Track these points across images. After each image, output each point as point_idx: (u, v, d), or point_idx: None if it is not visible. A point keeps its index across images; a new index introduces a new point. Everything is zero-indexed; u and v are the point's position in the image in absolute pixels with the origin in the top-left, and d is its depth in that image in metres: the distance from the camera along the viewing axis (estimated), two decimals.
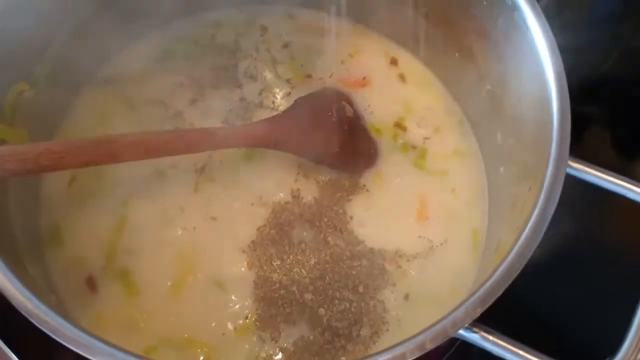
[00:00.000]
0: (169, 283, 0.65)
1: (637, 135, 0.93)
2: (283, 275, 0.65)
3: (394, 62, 0.81)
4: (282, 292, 0.65)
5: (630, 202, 0.55)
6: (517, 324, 0.62)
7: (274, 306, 0.64)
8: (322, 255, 0.67)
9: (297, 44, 0.81)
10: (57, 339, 0.45)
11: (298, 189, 0.71)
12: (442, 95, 0.78)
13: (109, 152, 0.55)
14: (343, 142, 0.70)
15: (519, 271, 0.48)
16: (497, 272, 0.47)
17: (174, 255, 0.66)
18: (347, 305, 0.64)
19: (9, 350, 0.66)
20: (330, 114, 0.72)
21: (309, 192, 0.71)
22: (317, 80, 0.79)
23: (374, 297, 0.65)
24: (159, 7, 0.76)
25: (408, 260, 0.68)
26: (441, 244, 0.69)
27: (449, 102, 0.78)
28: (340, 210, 0.70)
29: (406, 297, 0.66)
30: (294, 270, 0.66)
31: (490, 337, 0.48)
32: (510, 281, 0.47)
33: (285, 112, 0.71)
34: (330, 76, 0.79)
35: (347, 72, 0.79)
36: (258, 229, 0.68)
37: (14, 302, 0.47)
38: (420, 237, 0.69)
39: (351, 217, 0.70)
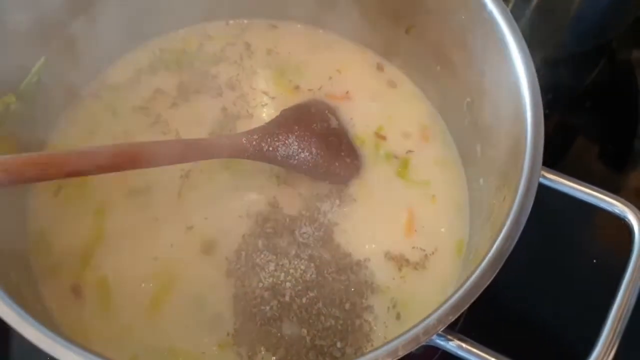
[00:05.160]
0: (148, 299, 0.64)
1: (623, 147, 0.94)
2: (265, 290, 0.64)
3: (380, 68, 0.82)
4: (263, 307, 0.63)
5: (603, 210, 0.56)
6: (497, 329, 0.63)
7: (252, 322, 0.63)
8: (306, 268, 0.66)
9: (282, 56, 0.83)
10: (41, 347, 0.46)
11: (280, 200, 0.71)
12: (425, 106, 0.80)
13: (92, 163, 0.56)
14: (327, 153, 0.71)
15: (491, 279, 0.49)
16: (470, 281, 0.48)
17: (153, 268, 0.66)
18: (333, 322, 0.63)
19: None
20: (315, 125, 0.73)
21: (291, 202, 0.71)
22: (304, 92, 0.80)
23: (360, 315, 0.64)
24: (147, 22, 0.78)
25: (396, 273, 0.68)
26: (431, 254, 0.69)
27: (431, 113, 0.79)
28: (325, 221, 0.70)
29: (397, 316, 0.65)
30: (277, 284, 0.65)
31: (464, 345, 0.48)
32: (482, 289, 0.48)
33: (269, 123, 0.72)
34: (319, 89, 0.80)
35: (332, 85, 0.80)
36: (241, 239, 0.68)
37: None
38: (413, 248, 0.69)
39: (336, 229, 0.70)
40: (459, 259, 0.69)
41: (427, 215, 0.72)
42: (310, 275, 0.65)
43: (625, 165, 0.93)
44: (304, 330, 0.63)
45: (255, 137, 0.68)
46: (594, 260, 0.79)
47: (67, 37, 0.70)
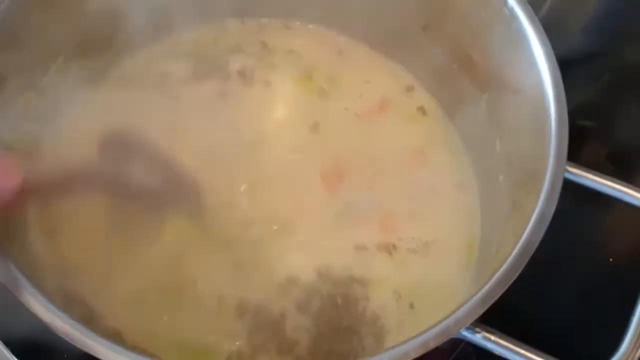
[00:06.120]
0: (159, 309, 0.63)
1: (633, 150, 0.95)
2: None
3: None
4: (272, 315, 0.63)
5: (627, 205, 0.56)
6: (518, 326, 0.63)
7: (261, 336, 0.62)
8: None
9: (306, 59, 0.81)
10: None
11: None
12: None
13: None
14: None
15: (518, 272, 0.49)
16: (497, 274, 0.48)
17: (164, 277, 0.64)
18: (343, 322, 0.63)
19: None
20: None
21: None
22: (332, 100, 0.78)
23: (367, 308, 0.64)
24: (162, 19, 0.78)
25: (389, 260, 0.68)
26: (431, 242, 0.69)
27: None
28: None
29: (411, 305, 0.65)
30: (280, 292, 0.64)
31: (492, 337, 0.49)
32: (510, 282, 0.48)
33: None
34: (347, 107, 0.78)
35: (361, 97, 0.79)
36: None
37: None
38: (413, 238, 0.69)
39: None
40: (469, 255, 0.69)
41: (431, 210, 0.72)
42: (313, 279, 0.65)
43: (634, 166, 0.94)
44: (315, 331, 0.62)
45: None
46: (610, 259, 0.78)
47: (84, 34, 0.70)
